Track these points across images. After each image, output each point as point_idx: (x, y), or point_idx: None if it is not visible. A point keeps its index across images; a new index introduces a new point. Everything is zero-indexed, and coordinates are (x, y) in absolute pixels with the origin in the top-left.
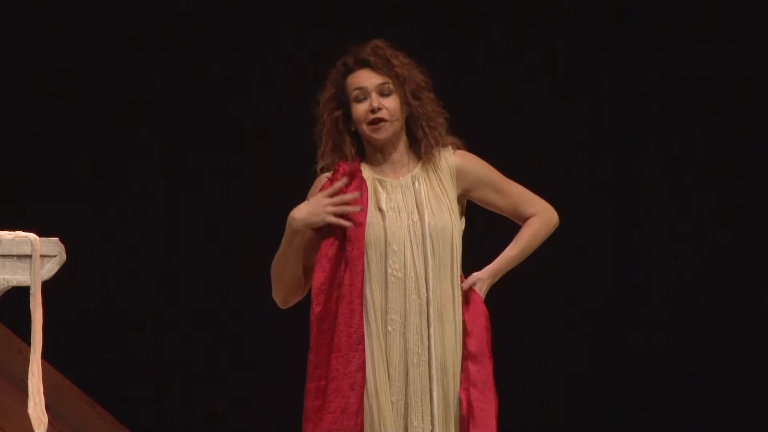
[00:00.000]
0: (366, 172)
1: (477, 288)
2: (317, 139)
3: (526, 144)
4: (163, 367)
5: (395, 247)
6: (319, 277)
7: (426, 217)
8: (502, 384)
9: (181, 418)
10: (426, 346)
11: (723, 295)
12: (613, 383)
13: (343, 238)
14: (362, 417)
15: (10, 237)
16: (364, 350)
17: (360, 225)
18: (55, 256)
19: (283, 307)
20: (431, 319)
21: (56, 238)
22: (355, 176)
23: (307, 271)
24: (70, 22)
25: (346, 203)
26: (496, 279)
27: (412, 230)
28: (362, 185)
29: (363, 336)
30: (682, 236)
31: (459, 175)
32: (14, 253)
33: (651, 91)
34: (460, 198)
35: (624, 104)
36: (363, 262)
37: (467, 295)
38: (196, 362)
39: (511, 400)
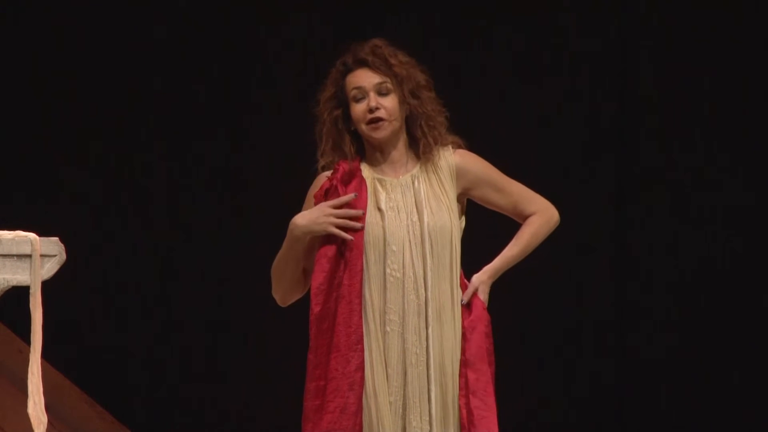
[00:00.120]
0: (366, 171)
1: (479, 292)
2: (317, 138)
3: (526, 144)
4: (163, 367)
5: (394, 247)
6: (318, 277)
7: (425, 216)
8: (502, 384)
9: (181, 418)
10: (424, 346)
11: (723, 295)
12: (613, 383)
13: (342, 239)
14: (361, 417)
15: (10, 237)
16: (363, 350)
17: (362, 227)
18: (55, 255)
19: (282, 305)
20: (430, 319)
21: (56, 238)
22: (354, 175)
23: (307, 271)
24: (70, 21)
25: (350, 217)
26: (496, 278)
27: (411, 230)
28: (362, 185)
29: (362, 336)
30: (682, 236)
31: (459, 174)
32: (14, 252)
33: (651, 91)
34: (461, 197)
35: (624, 104)
36: (362, 262)
37: (469, 302)
38: (196, 362)
39: (510, 400)
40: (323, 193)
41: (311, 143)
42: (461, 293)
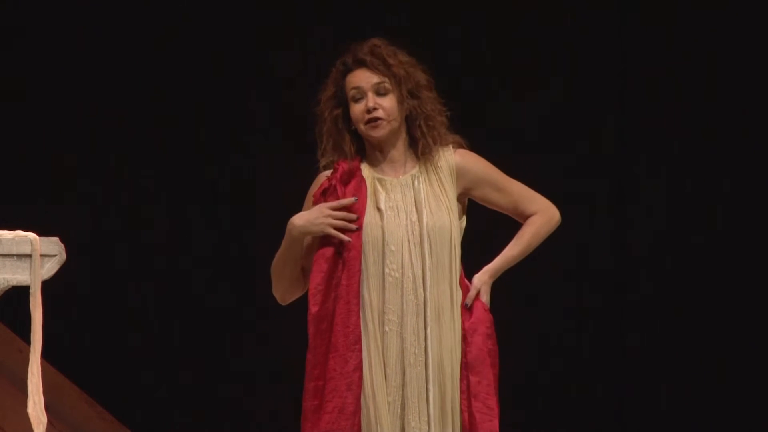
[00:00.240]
0: (366, 171)
1: (481, 292)
2: (317, 138)
3: (525, 144)
4: (164, 367)
5: (393, 247)
6: (316, 277)
7: (424, 216)
8: (503, 384)
9: (181, 417)
10: (423, 346)
11: (724, 296)
12: (613, 383)
13: (340, 239)
14: (359, 417)
15: (10, 237)
16: (361, 350)
17: (358, 225)
18: (55, 255)
19: (282, 304)
20: (428, 319)
21: (56, 238)
22: (354, 175)
23: (306, 270)
24: (70, 21)
25: (349, 220)
26: (497, 277)
27: (410, 230)
28: (361, 184)
29: (360, 336)
30: (682, 236)
31: (459, 174)
32: (14, 252)
33: (651, 91)
34: (461, 197)
35: (624, 104)
36: (360, 263)
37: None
38: (196, 362)
39: (510, 400)
40: (321, 193)
41: (312, 143)
42: (461, 293)
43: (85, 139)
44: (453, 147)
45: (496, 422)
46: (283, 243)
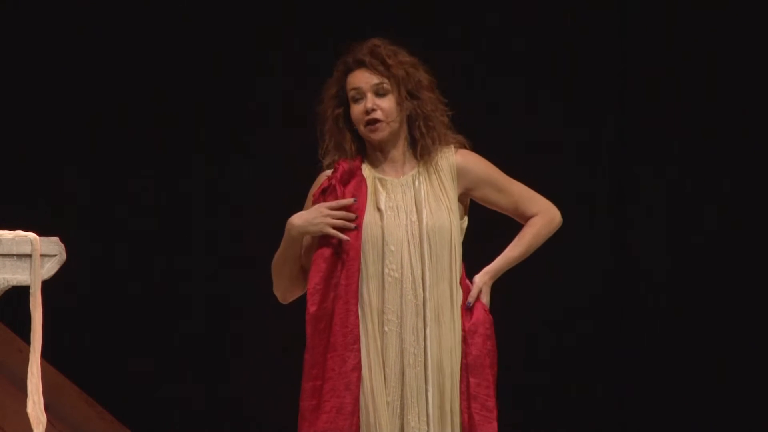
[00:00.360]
0: (367, 170)
1: (482, 294)
2: (319, 137)
3: (525, 144)
4: (163, 367)
5: (392, 247)
6: (314, 277)
7: (424, 216)
8: (502, 384)
9: (181, 417)
10: (422, 346)
11: (723, 295)
12: (613, 383)
13: (340, 239)
14: (358, 417)
15: (10, 237)
16: (359, 350)
17: (358, 225)
18: (55, 255)
19: (283, 302)
20: (428, 319)
21: (56, 238)
22: (354, 175)
23: (307, 269)
24: (70, 22)
25: (347, 219)
26: (497, 278)
27: (410, 230)
28: (361, 184)
29: (359, 336)
30: (682, 236)
31: (460, 174)
32: (14, 252)
33: (651, 91)
34: (462, 197)
35: (624, 104)
36: (359, 263)
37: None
38: (196, 362)
39: (510, 400)
40: (321, 192)
41: (312, 142)
42: (461, 293)
43: (85, 139)
44: (455, 147)
45: (495, 424)
46: (282, 242)
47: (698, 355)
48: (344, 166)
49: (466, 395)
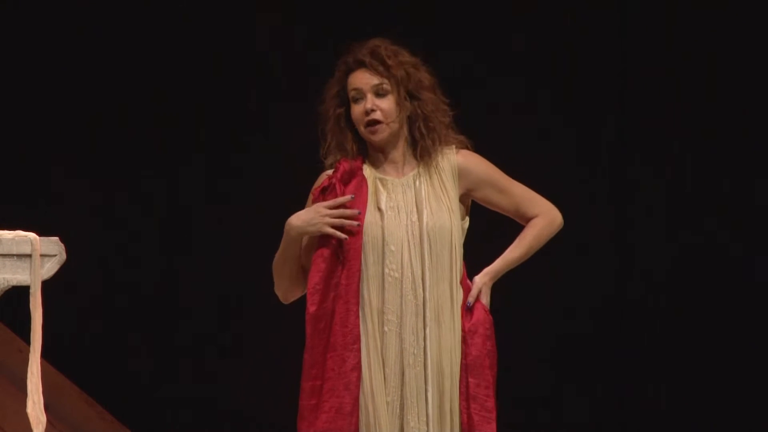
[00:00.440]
0: (368, 170)
1: (482, 294)
2: (320, 136)
3: (525, 144)
4: (164, 367)
5: (393, 247)
6: (314, 277)
7: (425, 216)
8: (502, 385)
9: (181, 417)
10: (422, 346)
11: (724, 295)
12: (613, 383)
13: (340, 239)
14: (357, 417)
15: (10, 237)
16: (359, 350)
17: (358, 225)
18: (55, 255)
19: (285, 302)
20: (427, 320)
21: (56, 238)
22: (355, 175)
23: (307, 269)
24: (70, 22)
25: (346, 217)
26: (497, 279)
27: (410, 230)
28: (362, 184)
29: (358, 336)
30: (682, 236)
31: (461, 174)
32: (14, 252)
33: (651, 91)
34: (464, 198)
35: (624, 104)
36: (360, 262)
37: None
38: (196, 362)
39: (510, 401)
40: (321, 191)
41: (312, 142)
42: (462, 294)
43: (85, 139)
44: (456, 147)
45: (494, 424)
46: (282, 243)
47: (698, 355)
48: (345, 165)
49: (466, 395)
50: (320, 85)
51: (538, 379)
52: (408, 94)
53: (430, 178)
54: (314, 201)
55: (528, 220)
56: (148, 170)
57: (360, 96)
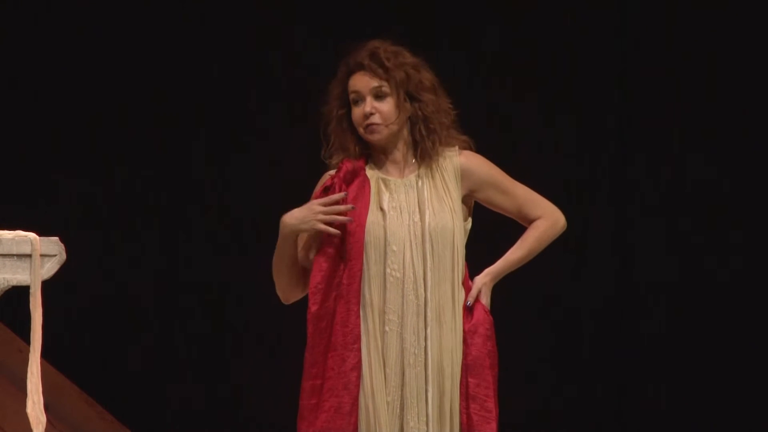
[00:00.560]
0: (371, 171)
1: (481, 294)
2: (322, 136)
3: (525, 144)
4: (164, 367)
5: (394, 247)
6: (316, 276)
7: (427, 217)
8: (502, 385)
9: (181, 417)
10: (423, 346)
11: (723, 295)
12: (613, 383)
13: (342, 238)
14: (356, 417)
15: (10, 236)
16: (359, 350)
17: (360, 225)
18: (55, 255)
19: (286, 303)
20: (428, 320)
21: (56, 238)
22: (357, 175)
23: (307, 270)
24: (70, 22)
25: (340, 213)
26: (498, 279)
27: (412, 230)
28: (365, 184)
29: (359, 335)
30: (683, 236)
31: (464, 175)
32: (14, 252)
33: (651, 91)
34: (466, 199)
35: (624, 104)
36: (361, 262)
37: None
38: (195, 362)
39: (510, 401)
40: (323, 190)
41: (312, 142)
42: (464, 294)
43: (85, 139)
44: (459, 148)
45: (494, 424)
46: (278, 241)
47: (698, 355)
48: (348, 165)
49: (465, 395)
50: (320, 85)
51: (537, 379)
52: (408, 95)
53: (433, 178)
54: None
55: (531, 221)
56: (148, 170)
57: (359, 98)
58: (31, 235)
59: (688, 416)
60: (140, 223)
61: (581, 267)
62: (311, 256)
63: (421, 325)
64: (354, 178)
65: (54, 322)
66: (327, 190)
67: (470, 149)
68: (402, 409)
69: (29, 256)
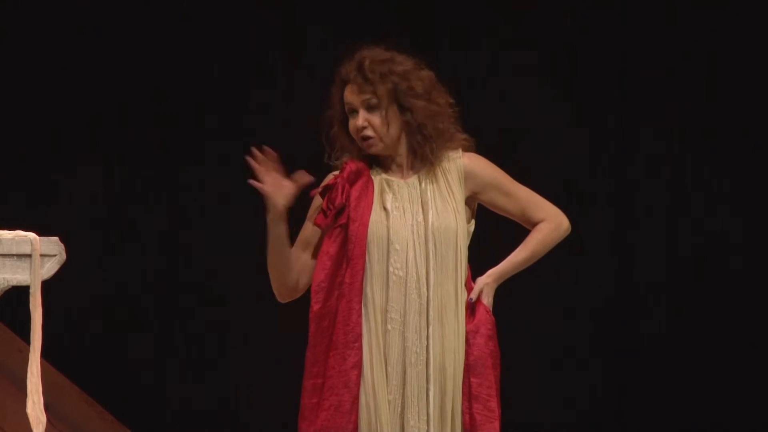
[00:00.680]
0: (375, 171)
1: (483, 294)
2: (324, 139)
3: (525, 144)
4: (163, 367)
5: (397, 246)
6: (319, 275)
7: (430, 217)
8: (503, 385)
9: (181, 417)
10: (424, 345)
11: (724, 296)
12: (613, 383)
13: (345, 237)
14: (356, 415)
15: (10, 236)
16: (360, 348)
17: (363, 224)
18: (55, 255)
19: (280, 300)
20: (431, 319)
21: (56, 238)
22: (361, 175)
23: (302, 273)
24: (70, 22)
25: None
26: (501, 281)
27: (416, 230)
28: (369, 184)
29: (360, 334)
30: (683, 236)
31: (467, 177)
32: (14, 252)
33: (651, 91)
34: (470, 201)
35: (624, 104)
36: (364, 261)
37: (473, 305)
38: (196, 362)
39: (511, 401)
40: (323, 189)
41: (312, 142)
42: (466, 295)
43: (85, 139)
44: (462, 149)
45: (496, 423)
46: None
47: (698, 355)
48: (352, 166)
49: (468, 395)
50: (320, 85)
51: (538, 379)
52: (399, 105)
53: (436, 180)
54: (312, 195)
55: (534, 224)
56: (148, 170)
57: (353, 110)
58: (31, 235)
59: (688, 416)
60: (140, 223)
61: (581, 267)
62: (313, 255)
63: (423, 324)
64: (358, 178)
65: (54, 322)
66: (327, 190)
67: (472, 149)
68: (403, 408)
69: (29, 256)
